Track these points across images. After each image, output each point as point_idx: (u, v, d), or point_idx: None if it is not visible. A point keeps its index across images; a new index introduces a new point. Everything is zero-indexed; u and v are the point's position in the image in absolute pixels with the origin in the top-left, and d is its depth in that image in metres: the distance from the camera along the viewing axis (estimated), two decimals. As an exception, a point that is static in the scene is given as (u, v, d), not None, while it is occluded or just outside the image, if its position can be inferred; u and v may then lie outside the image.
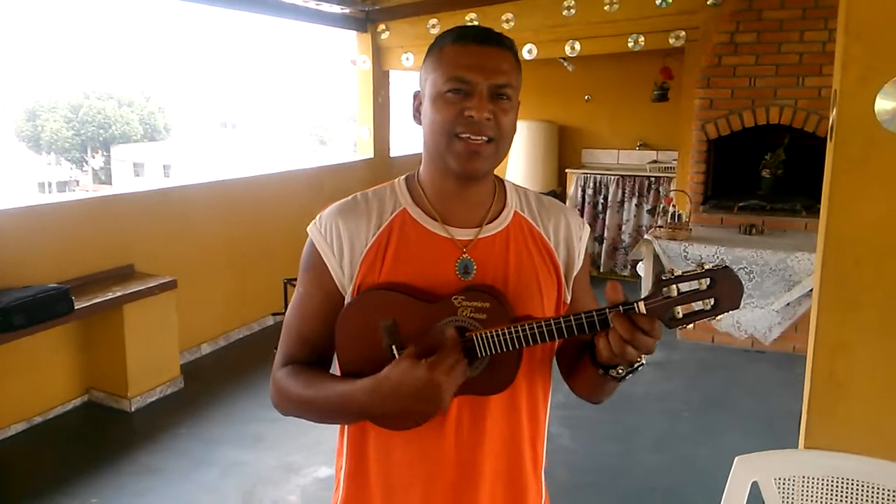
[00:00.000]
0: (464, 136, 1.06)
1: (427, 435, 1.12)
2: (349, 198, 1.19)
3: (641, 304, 0.99)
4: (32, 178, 35.98)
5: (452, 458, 1.13)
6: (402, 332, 1.08)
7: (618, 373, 1.06)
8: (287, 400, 1.17)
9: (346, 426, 1.21)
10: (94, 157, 37.78)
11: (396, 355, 1.06)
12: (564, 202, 6.82)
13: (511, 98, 1.09)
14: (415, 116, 1.16)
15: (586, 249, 1.24)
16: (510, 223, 1.17)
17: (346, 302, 1.14)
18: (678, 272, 1.00)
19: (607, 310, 1.00)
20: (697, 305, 0.98)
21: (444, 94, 1.07)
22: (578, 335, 1.03)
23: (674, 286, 0.98)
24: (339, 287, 1.14)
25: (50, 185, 36.58)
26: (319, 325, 1.16)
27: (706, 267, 0.98)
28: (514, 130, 1.13)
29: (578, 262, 1.22)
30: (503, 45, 1.10)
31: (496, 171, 1.20)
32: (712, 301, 0.98)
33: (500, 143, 1.10)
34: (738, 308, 0.99)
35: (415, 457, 1.14)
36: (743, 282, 3.95)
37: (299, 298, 1.19)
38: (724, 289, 0.98)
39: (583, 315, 1.01)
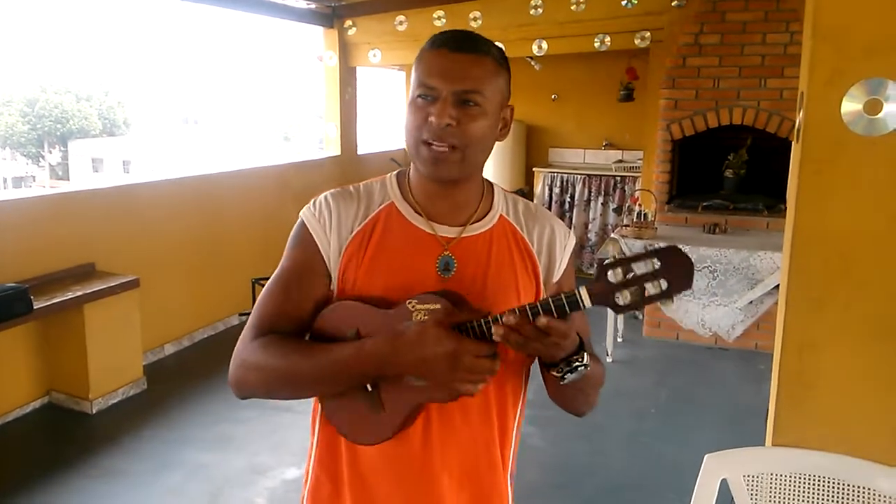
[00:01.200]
0: (428, 142, 1.07)
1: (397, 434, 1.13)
2: (343, 187, 1.21)
3: (583, 290, 0.99)
4: (-13, 174, 35.00)
5: (419, 456, 1.13)
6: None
7: (559, 370, 1.07)
8: (256, 370, 1.13)
9: (317, 425, 1.20)
10: (51, 153, 36.89)
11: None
12: (532, 200, 6.86)
13: (479, 104, 1.07)
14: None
15: (570, 258, 1.25)
16: (495, 225, 1.19)
17: (331, 281, 1.15)
18: (623, 255, 0.99)
19: (527, 305, 1.00)
20: (650, 289, 0.97)
21: (415, 100, 1.09)
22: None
23: (618, 269, 0.98)
24: (325, 262, 1.15)
25: (5, 180, 35.62)
26: (303, 298, 1.15)
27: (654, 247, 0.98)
28: (487, 136, 1.11)
29: (560, 268, 1.23)
30: (479, 50, 1.09)
31: None
32: (664, 283, 0.96)
33: (466, 150, 1.08)
34: (690, 288, 0.98)
35: (384, 454, 1.14)
36: (707, 280, 3.99)
37: (283, 272, 1.18)
38: (674, 269, 0.96)
39: (517, 308, 1.01)
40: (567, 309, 0.99)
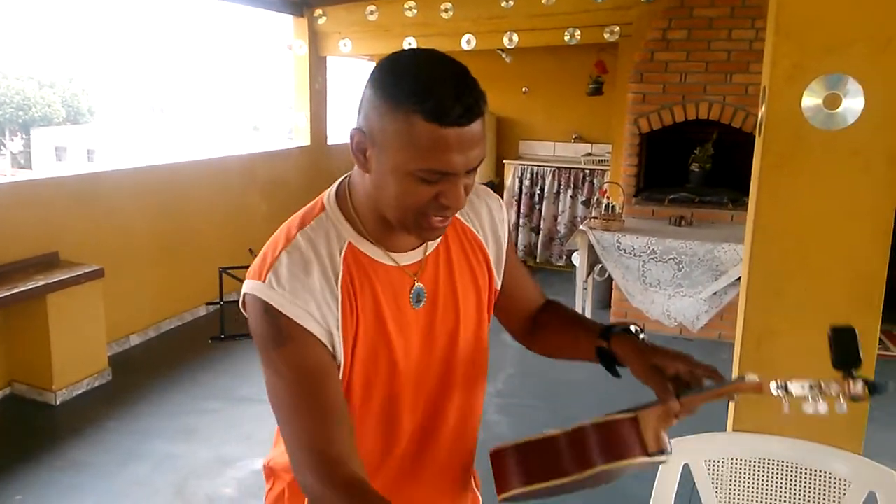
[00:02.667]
0: (431, 215, 0.97)
1: (382, 426, 1.12)
2: (291, 250, 1.01)
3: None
4: (-55, 161, 34.10)
5: (404, 447, 1.15)
6: None
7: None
8: None
9: None
10: (12, 141, 36.05)
11: None
12: (502, 193, 6.89)
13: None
14: (355, 154, 0.99)
15: (508, 228, 1.23)
16: (455, 232, 1.16)
17: (339, 360, 1.02)
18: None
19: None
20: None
21: (417, 176, 0.93)
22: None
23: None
24: (328, 347, 1.01)
25: (-35, 168, 34.73)
26: (334, 389, 1.00)
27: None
28: None
29: (504, 245, 1.21)
30: (481, 112, 0.93)
31: None
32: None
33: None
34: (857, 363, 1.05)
35: (371, 444, 1.13)
36: (672, 272, 4.04)
37: (283, 378, 0.99)
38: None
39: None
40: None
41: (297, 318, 0.97)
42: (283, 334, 0.97)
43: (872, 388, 1.01)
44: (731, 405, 1.88)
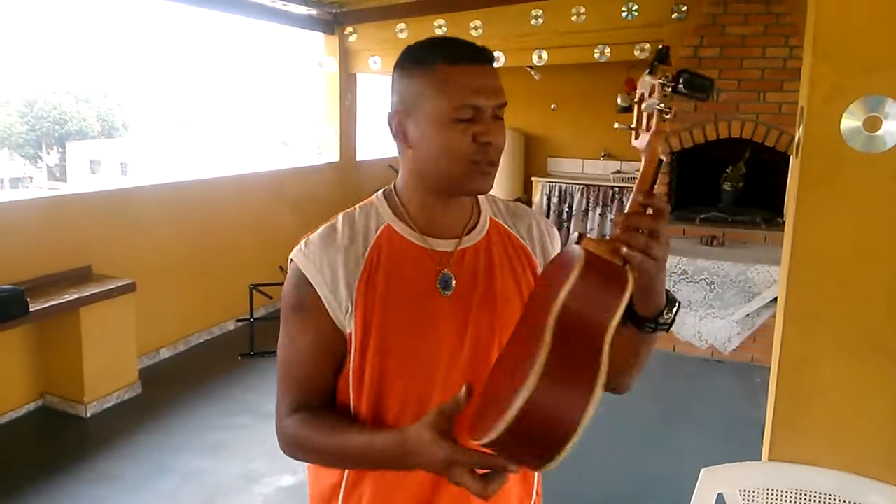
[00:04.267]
0: (480, 161, 1.05)
1: (412, 403, 1.10)
2: (330, 225, 1.13)
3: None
4: (-16, 174, 34.96)
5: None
6: None
7: (661, 319, 1.00)
8: (306, 450, 1.10)
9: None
10: (48, 154, 36.86)
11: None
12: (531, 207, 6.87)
13: (503, 116, 1.09)
14: (396, 137, 1.11)
15: (560, 247, 1.24)
16: (489, 230, 1.18)
17: (348, 336, 1.08)
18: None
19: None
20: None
21: (455, 122, 1.03)
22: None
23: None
24: (336, 323, 1.09)
25: (2, 181, 35.55)
26: (321, 366, 1.11)
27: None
28: None
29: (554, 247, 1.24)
30: (492, 59, 1.09)
31: None
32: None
33: (498, 163, 1.09)
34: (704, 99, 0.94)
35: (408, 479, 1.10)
36: (704, 292, 3.97)
37: (292, 339, 1.11)
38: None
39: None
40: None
41: (315, 284, 1.07)
42: (300, 303, 1.09)
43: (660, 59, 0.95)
44: (767, 434, 1.83)
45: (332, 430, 1.07)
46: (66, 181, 34.13)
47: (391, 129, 1.11)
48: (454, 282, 1.11)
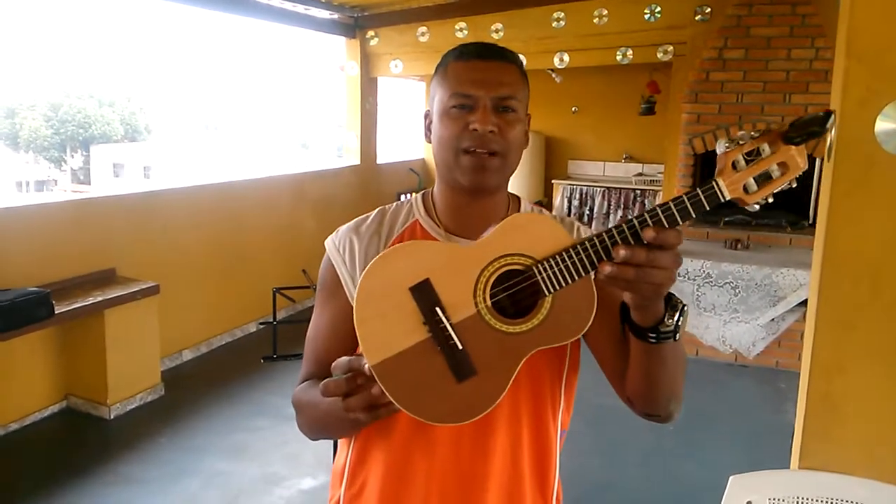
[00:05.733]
0: (470, 149, 1.06)
1: (424, 450, 1.10)
2: (363, 216, 1.20)
3: (720, 181, 0.84)
4: (10, 177, 35.48)
5: (452, 474, 1.11)
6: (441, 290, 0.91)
7: (663, 328, 0.92)
8: (297, 412, 1.17)
9: (349, 446, 1.19)
10: (73, 157, 37.36)
11: (448, 327, 0.90)
12: (550, 212, 6.84)
13: (516, 110, 1.09)
14: (426, 135, 1.18)
15: None
16: None
17: None
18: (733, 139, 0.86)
19: (636, 218, 0.86)
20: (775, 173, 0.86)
21: (449, 111, 1.08)
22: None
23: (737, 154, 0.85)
24: (350, 301, 1.11)
25: (28, 183, 36.09)
26: (334, 342, 1.15)
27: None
28: (522, 143, 1.12)
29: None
30: (506, 58, 1.11)
31: None
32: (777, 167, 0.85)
33: (507, 157, 1.09)
34: (820, 134, 0.82)
35: (410, 470, 1.11)
36: (728, 296, 3.90)
37: (315, 316, 1.20)
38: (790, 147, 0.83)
39: (627, 223, 0.86)
40: (705, 204, 0.85)
41: (336, 266, 1.15)
42: (323, 282, 1.18)
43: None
44: (797, 442, 1.80)
45: (308, 389, 1.13)
46: (89, 184, 34.56)
47: (424, 130, 1.19)
48: None
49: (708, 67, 4.97)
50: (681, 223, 0.86)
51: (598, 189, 6.76)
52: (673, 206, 0.86)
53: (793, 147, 0.84)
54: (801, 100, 4.71)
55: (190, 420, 3.87)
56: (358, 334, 0.91)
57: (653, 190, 6.49)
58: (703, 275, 4.52)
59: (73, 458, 3.45)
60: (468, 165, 1.07)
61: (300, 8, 5.85)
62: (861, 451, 1.70)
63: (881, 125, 1.60)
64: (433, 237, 1.15)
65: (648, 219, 0.85)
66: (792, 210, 5.09)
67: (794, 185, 0.88)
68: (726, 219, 5.04)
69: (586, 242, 0.88)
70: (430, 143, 1.16)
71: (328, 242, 1.19)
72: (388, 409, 0.92)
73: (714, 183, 0.86)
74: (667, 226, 0.85)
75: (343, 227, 1.19)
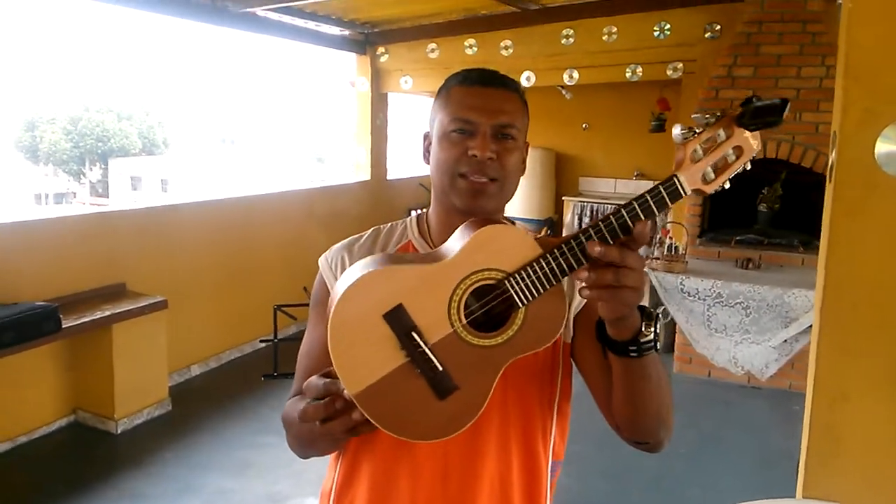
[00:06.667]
0: (467, 175, 1.08)
1: (409, 475, 1.09)
2: (357, 235, 1.22)
3: (680, 176, 0.85)
4: (29, 190, 35.94)
5: (438, 500, 1.09)
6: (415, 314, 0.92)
7: (642, 338, 0.92)
8: (286, 433, 1.17)
9: (335, 469, 1.18)
10: (91, 170, 37.79)
11: (426, 350, 0.91)
12: (561, 230, 6.81)
13: (516, 138, 1.10)
14: (424, 156, 1.18)
15: None
16: None
17: None
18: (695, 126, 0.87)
19: (601, 221, 0.87)
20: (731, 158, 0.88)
21: (449, 135, 1.09)
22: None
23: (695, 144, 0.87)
24: None
25: (47, 196, 36.53)
26: (325, 359, 1.13)
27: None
28: (519, 170, 1.14)
29: (577, 300, 1.15)
30: (507, 86, 1.12)
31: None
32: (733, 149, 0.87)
33: (504, 183, 1.10)
34: (777, 123, 0.85)
35: (395, 495, 1.10)
36: (740, 317, 3.84)
37: (307, 333, 1.21)
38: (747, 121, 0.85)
39: (595, 226, 0.88)
40: (668, 202, 0.86)
41: (329, 285, 1.16)
42: (317, 295, 1.19)
43: (747, 102, 0.86)
44: (801, 471, 1.76)
45: (295, 405, 1.12)
46: (108, 197, 34.93)
47: (423, 152, 1.19)
48: None
49: (717, 85, 4.94)
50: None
51: (609, 206, 6.73)
52: (637, 206, 0.87)
53: (746, 131, 0.86)
54: (812, 118, 4.67)
55: (196, 435, 3.87)
56: (334, 364, 0.91)
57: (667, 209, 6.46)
58: (714, 294, 4.47)
59: (79, 472, 3.46)
60: (465, 189, 1.08)
61: (311, 25, 5.90)
62: (865, 482, 1.66)
63: (881, 147, 1.58)
64: None
65: (614, 221, 0.87)
66: (803, 230, 5.03)
67: (749, 168, 0.90)
68: (737, 238, 5.00)
69: (555, 251, 0.90)
70: (428, 164, 1.16)
71: (321, 260, 1.20)
72: (369, 427, 0.93)
73: (675, 179, 0.87)
74: (632, 226, 0.87)
75: (336, 246, 1.21)
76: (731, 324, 4.47)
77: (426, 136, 1.18)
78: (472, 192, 1.08)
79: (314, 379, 0.97)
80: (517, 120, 1.10)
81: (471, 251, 0.92)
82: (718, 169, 0.88)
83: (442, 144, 1.10)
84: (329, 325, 0.91)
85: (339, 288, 0.93)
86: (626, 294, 0.87)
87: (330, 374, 0.97)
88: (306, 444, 1.13)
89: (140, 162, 36.99)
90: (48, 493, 3.23)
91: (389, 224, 1.24)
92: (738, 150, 0.88)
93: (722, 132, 0.87)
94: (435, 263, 0.94)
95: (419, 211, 1.25)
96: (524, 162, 1.16)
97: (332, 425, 0.94)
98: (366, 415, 0.90)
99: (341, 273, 1.14)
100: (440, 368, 0.91)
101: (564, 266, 0.89)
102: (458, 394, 0.92)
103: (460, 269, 0.92)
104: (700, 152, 0.87)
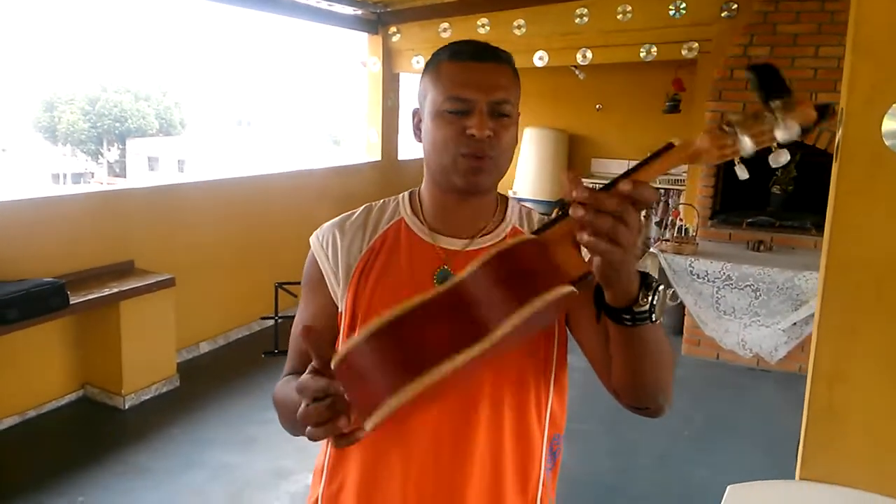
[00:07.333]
0: (466, 154, 1.06)
1: (401, 450, 1.09)
2: (349, 212, 1.21)
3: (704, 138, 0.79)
4: (47, 169, 36.26)
5: (430, 475, 1.09)
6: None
7: (637, 308, 0.86)
8: (277, 412, 1.16)
9: (327, 444, 1.18)
10: (109, 150, 38.03)
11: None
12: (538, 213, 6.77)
13: (510, 115, 1.08)
14: (415, 133, 1.16)
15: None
16: (506, 236, 1.16)
17: (339, 315, 1.14)
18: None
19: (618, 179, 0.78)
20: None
21: (444, 114, 1.06)
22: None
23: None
24: (333, 298, 1.15)
25: (65, 176, 36.85)
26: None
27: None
28: (514, 144, 1.12)
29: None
30: (500, 59, 1.09)
31: (500, 184, 1.17)
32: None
33: (500, 159, 1.09)
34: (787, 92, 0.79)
35: (387, 470, 1.10)
36: (749, 299, 3.79)
37: (299, 311, 1.21)
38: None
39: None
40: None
41: (319, 261, 1.16)
42: (308, 272, 1.19)
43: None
44: (800, 451, 1.74)
45: (286, 386, 1.12)
46: (125, 177, 35.17)
47: (413, 129, 1.16)
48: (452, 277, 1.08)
49: (732, 65, 4.86)
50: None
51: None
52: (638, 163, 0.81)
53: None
54: (828, 98, 4.53)
55: (203, 411, 3.90)
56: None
57: (677, 189, 6.39)
58: (723, 277, 4.43)
59: (86, 446, 3.50)
60: (465, 169, 1.07)
61: (324, 4, 5.86)
62: (864, 462, 1.64)
63: (888, 124, 1.54)
64: (418, 235, 1.15)
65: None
66: (817, 211, 4.95)
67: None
68: (749, 220, 4.94)
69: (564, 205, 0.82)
70: (419, 141, 1.14)
71: (312, 239, 1.19)
72: (348, 439, 0.84)
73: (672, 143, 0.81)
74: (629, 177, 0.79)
75: (327, 224, 1.20)
76: (740, 306, 4.43)
77: (415, 113, 1.16)
78: (471, 169, 1.07)
79: (309, 380, 0.84)
80: (511, 94, 1.08)
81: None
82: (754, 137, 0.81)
83: (437, 123, 1.07)
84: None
85: None
86: (613, 251, 0.78)
87: (317, 370, 0.85)
88: (297, 428, 1.09)
89: (157, 142, 37.17)
90: (56, 467, 3.28)
91: (381, 201, 1.22)
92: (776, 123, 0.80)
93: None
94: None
95: (407, 191, 1.23)
96: (517, 134, 1.15)
97: (320, 431, 0.84)
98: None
99: (332, 251, 1.16)
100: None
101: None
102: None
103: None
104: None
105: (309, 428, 0.83)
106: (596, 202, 0.75)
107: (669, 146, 0.81)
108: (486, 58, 1.08)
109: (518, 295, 0.72)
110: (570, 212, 0.77)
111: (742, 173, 0.87)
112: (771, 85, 0.82)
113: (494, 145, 1.06)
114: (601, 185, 0.80)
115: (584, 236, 0.76)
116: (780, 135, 0.80)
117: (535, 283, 0.73)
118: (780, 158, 0.84)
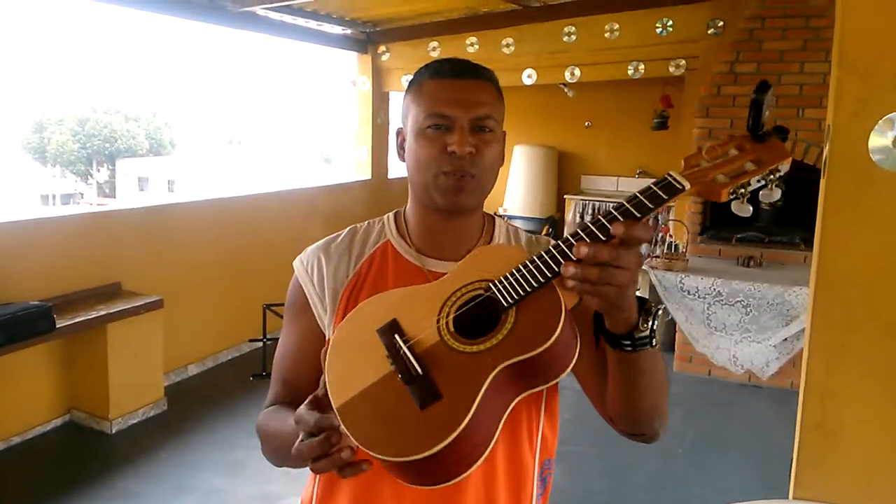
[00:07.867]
0: (448, 172, 1.04)
1: (392, 483, 1.04)
2: (333, 235, 1.19)
3: (674, 173, 0.83)
4: (36, 190, 36.08)
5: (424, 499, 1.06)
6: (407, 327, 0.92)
7: (637, 334, 0.88)
8: (260, 440, 1.14)
9: (316, 476, 1.15)
10: (99, 171, 37.89)
11: (406, 352, 0.89)
12: (563, 229, 6.77)
13: (493, 130, 1.07)
14: (399, 153, 1.15)
15: None
16: None
17: (327, 341, 1.10)
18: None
19: (600, 216, 0.84)
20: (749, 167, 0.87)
21: (425, 131, 1.05)
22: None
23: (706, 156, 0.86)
24: (319, 324, 1.12)
25: (54, 197, 36.65)
26: (300, 363, 1.13)
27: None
28: (498, 162, 1.10)
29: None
30: (481, 76, 1.09)
31: (490, 202, 1.16)
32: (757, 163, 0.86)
33: (483, 177, 1.07)
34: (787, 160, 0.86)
35: (382, 498, 1.07)
36: (739, 315, 3.80)
37: (282, 337, 1.18)
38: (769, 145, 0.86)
39: (588, 223, 0.85)
40: (661, 196, 0.82)
41: (304, 286, 1.13)
42: (292, 297, 1.16)
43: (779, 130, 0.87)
44: (793, 470, 1.72)
45: (273, 415, 1.11)
46: (115, 197, 35.02)
47: (396, 148, 1.15)
48: None
49: (719, 81, 4.90)
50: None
51: (611, 204, 6.66)
52: (627, 204, 0.84)
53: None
54: (815, 114, 4.62)
55: (191, 435, 3.85)
56: (327, 382, 0.91)
57: (667, 206, 6.41)
58: (714, 293, 4.43)
59: (73, 472, 3.44)
60: (447, 187, 1.05)
61: (313, 24, 5.88)
62: (857, 479, 1.62)
63: (875, 140, 1.54)
64: (404, 258, 1.13)
65: (604, 219, 0.84)
66: (806, 226, 4.97)
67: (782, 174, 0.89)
68: (738, 236, 4.95)
69: (542, 253, 0.88)
70: (402, 160, 1.13)
71: (296, 263, 1.17)
72: (354, 469, 0.87)
73: (668, 175, 0.85)
74: (620, 220, 0.84)
75: (311, 247, 1.17)
76: (731, 322, 4.42)
77: (399, 132, 1.14)
78: (453, 188, 1.05)
79: (304, 413, 0.88)
80: (494, 110, 1.07)
81: (462, 268, 0.97)
82: (734, 176, 0.86)
83: (419, 141, 1.06)
84: (328, 348, 0.94)
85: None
86: (610, 291, 0.83)
87: (314, 401, 0.91)
88: (285, 461, 1.07)
89: (147, 163, 37.08)
90: (43, 493, 3.22)
91: (366, 222, 1.20)
92: (758, 161, 0.88)
93: (733, 149, 0.88)
94: (431, 283, 0.99)
95: (392, 212, 1.21)
96: (503, 152, 1.13)
97: (323, 464, 0.86)
98: (346, 432, 0.86)
99: (317, 276, 1.13)
100: (420, 372, 0.88)
101: (552, 264, 0.86)
102: (440, 403, 0.86)
103: (452, 284, 0.95)
104: (707, 164, 0.87)
105: (312, 462, 0.85)
106: (587, 258, 0.81)
107: (667, 182, 0.84)
108: (468, 75, 1.07)
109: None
110: (562, 271, 0.83)
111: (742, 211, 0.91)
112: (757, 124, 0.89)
113: (476, 162, 1.04)
114: (591, 222, 0.85)
115: (581, 288, 0.83)
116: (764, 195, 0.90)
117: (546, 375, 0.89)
118: (773, 196, 0.89)
